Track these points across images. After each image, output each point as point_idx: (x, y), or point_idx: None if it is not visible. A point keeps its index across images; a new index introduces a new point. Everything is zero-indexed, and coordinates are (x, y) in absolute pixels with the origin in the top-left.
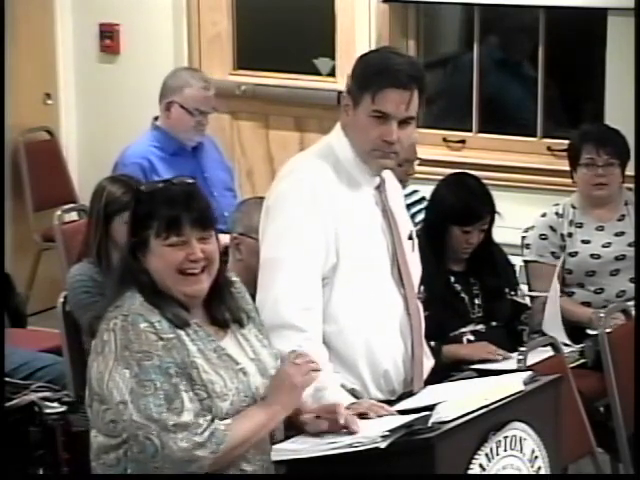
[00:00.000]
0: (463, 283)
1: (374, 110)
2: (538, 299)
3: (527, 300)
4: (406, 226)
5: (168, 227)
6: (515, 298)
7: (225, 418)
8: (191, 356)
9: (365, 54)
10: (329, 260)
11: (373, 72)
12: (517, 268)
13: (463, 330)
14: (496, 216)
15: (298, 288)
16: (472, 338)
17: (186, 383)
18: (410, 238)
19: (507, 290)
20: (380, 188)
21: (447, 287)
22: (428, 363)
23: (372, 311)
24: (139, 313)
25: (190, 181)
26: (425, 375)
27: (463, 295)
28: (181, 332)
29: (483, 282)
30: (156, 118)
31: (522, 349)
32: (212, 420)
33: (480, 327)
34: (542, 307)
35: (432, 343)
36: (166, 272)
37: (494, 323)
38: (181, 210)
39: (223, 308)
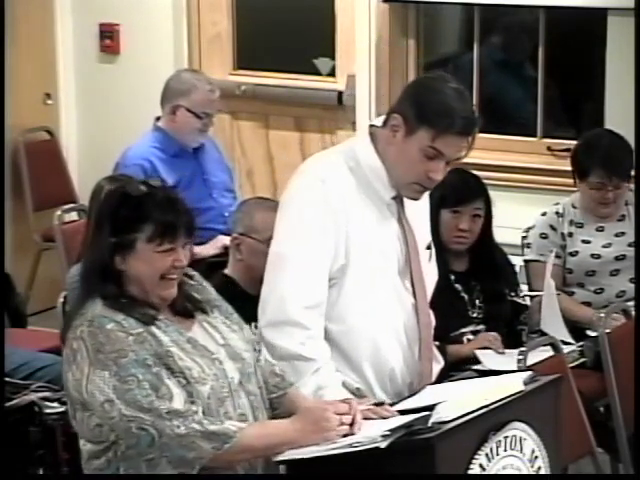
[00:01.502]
0: (464, 283)
1: (430, 147)
2: (535, 298)
3: (527, 300)
4: (425, 236)
5: (163, 233)
6: (515, 299)
7: (208, 403)
8: (164, 346)
9: (425, 80)
10: (338, 261)
11: (437, 112)
12: (517, 268)
13: (463, 330)
14: (496, 216)
15: (304, 286)
16: (472, 338)
17: (166, 371)
18: (428, 248)
19: (507, 291)
20: (397, 198)
21: (448, 287)
22: (437, 367)
23: (380, 315)
24: (103, 315)
25: (168, 185)
26: (433, 379)
27: (463, 295)
28: (151, 326)
29: (484, 283)
30: (158, 119)
31: (522, 349)
32: (206, 411)
33: (480, 328)
34: (539, 306)
35: (436, 343)
36: (149, 277)
37: (494, 324)
38: (176, 216)
39: (182, 300)
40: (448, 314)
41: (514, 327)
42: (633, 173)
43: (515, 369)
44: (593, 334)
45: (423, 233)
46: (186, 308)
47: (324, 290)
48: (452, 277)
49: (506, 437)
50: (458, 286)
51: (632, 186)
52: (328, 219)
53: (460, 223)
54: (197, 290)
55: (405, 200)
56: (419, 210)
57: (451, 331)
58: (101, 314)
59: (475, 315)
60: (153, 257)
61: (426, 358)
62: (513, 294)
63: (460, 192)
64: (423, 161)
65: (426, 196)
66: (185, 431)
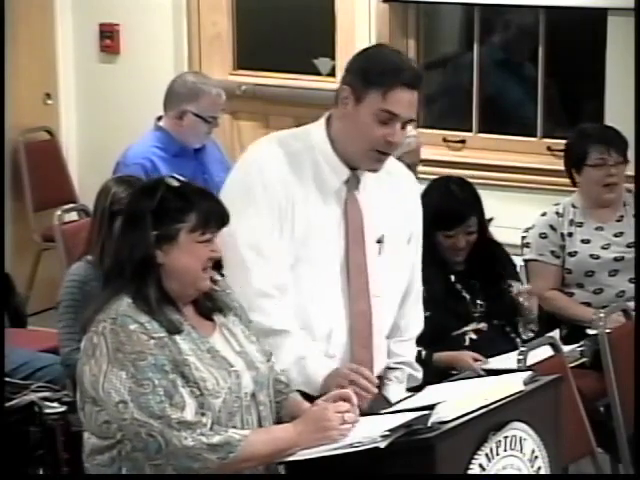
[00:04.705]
0: (464, 282)
1: (383, 110)
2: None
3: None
4: (377, 228)
5: (206, 223)
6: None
7: (219, 416)
8: (183, 354)
9: (365, 50)
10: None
11: (383, 70)
12: (517, 269)
13: (466, 329)
14: (496, 216)
15: (262, 258)
16: (475, 337)
17: (181, 379)
18: (379, 241)
19: (508, 284)
20: (349, 182)
21: (448, 287)
22: (383, 359)
23: (317, 301)
24: (127, 315)
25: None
26: (377, 370)
27: (465, 294)
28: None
29: (483, 280)
30: (159, 118)
31: (522, 349)
32: (215, 424)
33: (482, 325)
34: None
35: (422, 353)
36: (192, 268)
37: (496, 321)
38: (214, 205)
39: (203, 298)
40: (449, 314)
41: (516, 324)
42: (632, 171)
43: (515, 369)
44: (592, 333)
45: (375, 225)
46: (207, 307)
47: (285, 265)
48: (452, 277)
49: (506, 437)
50: (458, 285)
51: (632, 186)
52: (272, 199)
53: (456, 243)
54: (220, 296)
55: (361, 188)
56: (377, 200)
57: (453, 330)
58: (125, 313)
59: (477, 313)
60: (195, 247)
61: (360, 345)
62: (513, 288)
63: (451, 216)
64: (378, 126)
65: (395, 190)
66: (192, 443)
